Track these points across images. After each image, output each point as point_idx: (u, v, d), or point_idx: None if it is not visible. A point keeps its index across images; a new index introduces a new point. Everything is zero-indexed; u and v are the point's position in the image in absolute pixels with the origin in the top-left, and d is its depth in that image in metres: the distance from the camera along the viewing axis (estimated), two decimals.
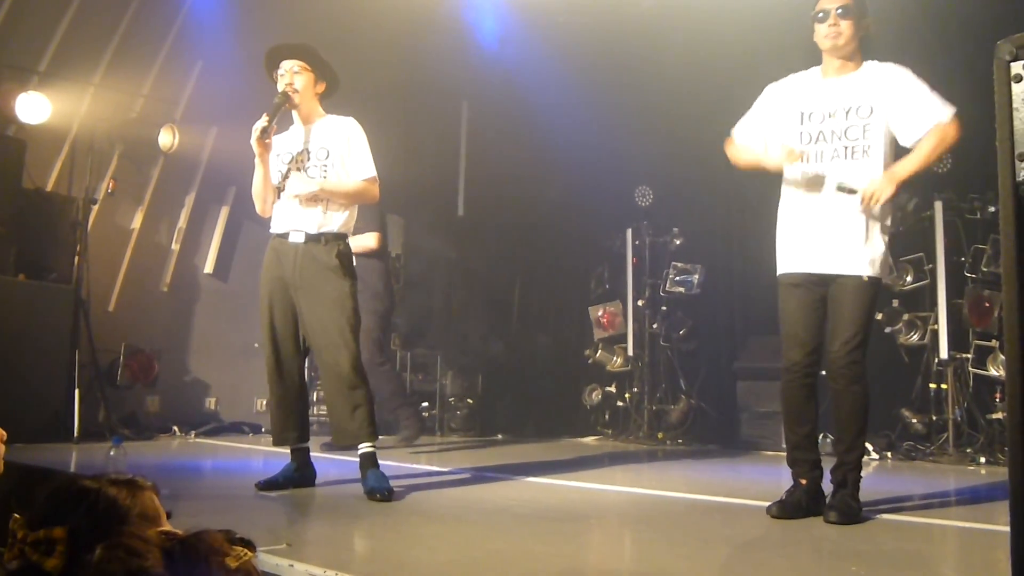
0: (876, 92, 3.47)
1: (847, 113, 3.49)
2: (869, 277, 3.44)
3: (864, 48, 3.56)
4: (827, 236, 3.48)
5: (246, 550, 1.52)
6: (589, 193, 8.29)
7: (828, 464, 3.56)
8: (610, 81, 7.82)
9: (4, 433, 2.37)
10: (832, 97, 3.54)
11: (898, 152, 3.50)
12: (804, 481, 3.53)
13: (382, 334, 6.30)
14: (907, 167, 3.42)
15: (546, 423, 8.43)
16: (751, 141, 3.72)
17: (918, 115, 3.41)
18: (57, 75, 6.66)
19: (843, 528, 3.30)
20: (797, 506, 3.48)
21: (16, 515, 1.50)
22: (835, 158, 3.50)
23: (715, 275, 7.86)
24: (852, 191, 3.42)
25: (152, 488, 1.61)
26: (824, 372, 3.59)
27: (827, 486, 3.56)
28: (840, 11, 3.46)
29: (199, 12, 7.42)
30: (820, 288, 3.51)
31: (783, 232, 3.64)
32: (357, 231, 4.56)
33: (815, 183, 3.52)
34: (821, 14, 3.51)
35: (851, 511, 3.38)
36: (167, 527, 1.56)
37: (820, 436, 3.92)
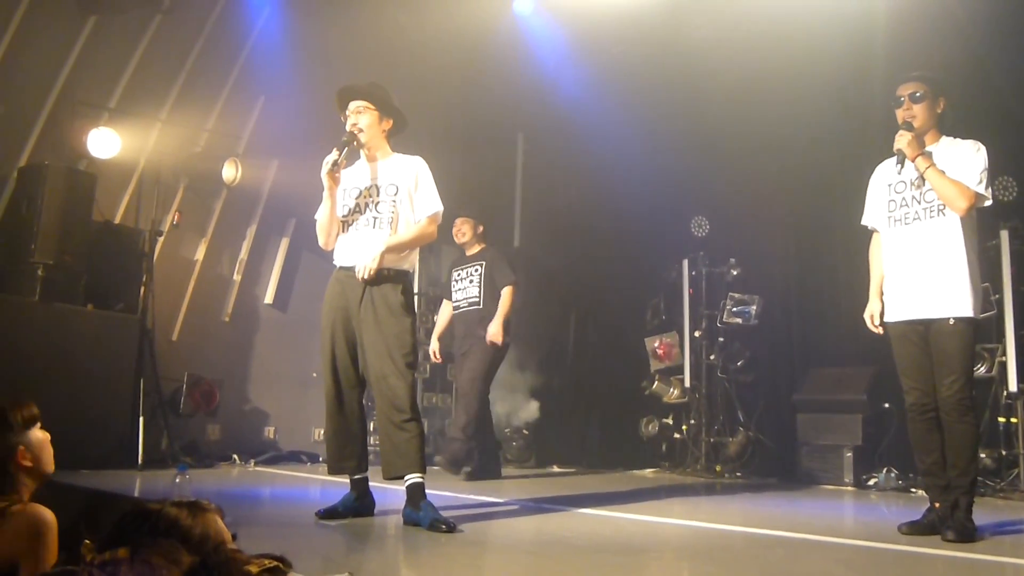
0: (946, 162, 3.86)
1: (925, 180, 3.89)
2: (956, 319, 3.76)
3: (942, 124, 3.99)
4: (914, 283, 3.89)
5: None
6: (645, 223, 8.27)
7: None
8: (665, 111, 7.82)
9: (47, 435, 2.57)
10: (915, 169, 3.93)
11: (976, 213, 3.88)
12: (938, 504, 3.85)
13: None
14: (930, 163, 3.83)
15: (602, 455, 8.37)
16: (875, 246, 4.20)
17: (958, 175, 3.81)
18: (126, 111, 6.90)
19: (910, 566, 3.28)
20: (929, 527, 3.83)
21: (87, 541, 1.56)
22: (916, 220, 3.93)
23: (773, 306, 7.75)
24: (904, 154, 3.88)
25: (216, 510, 1.66)
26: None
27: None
28: (913, 96, 3.93)
29: (262, 49, 7.62)
30: (921, 329, 3.88)
31: (885, 285, 4.09)
32: None
33: (901, 240, 3.98)
34: (899, 99, 3.95)
35: (966, 531, 3.67)
36: (234, 547, 1.61)
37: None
